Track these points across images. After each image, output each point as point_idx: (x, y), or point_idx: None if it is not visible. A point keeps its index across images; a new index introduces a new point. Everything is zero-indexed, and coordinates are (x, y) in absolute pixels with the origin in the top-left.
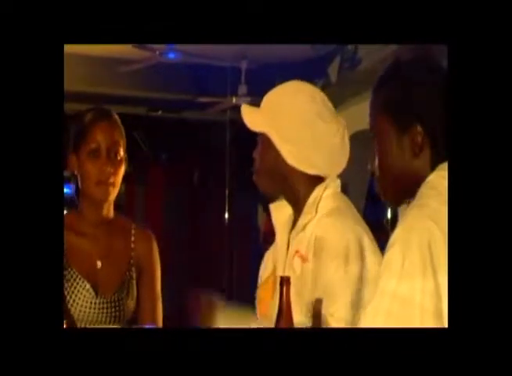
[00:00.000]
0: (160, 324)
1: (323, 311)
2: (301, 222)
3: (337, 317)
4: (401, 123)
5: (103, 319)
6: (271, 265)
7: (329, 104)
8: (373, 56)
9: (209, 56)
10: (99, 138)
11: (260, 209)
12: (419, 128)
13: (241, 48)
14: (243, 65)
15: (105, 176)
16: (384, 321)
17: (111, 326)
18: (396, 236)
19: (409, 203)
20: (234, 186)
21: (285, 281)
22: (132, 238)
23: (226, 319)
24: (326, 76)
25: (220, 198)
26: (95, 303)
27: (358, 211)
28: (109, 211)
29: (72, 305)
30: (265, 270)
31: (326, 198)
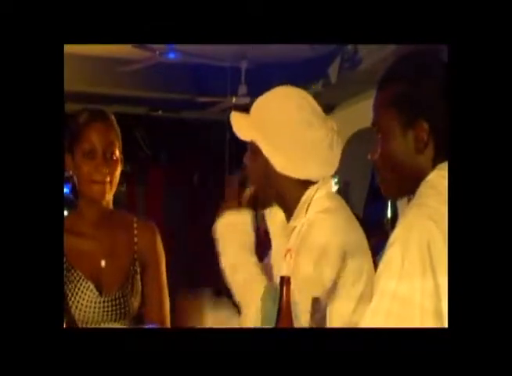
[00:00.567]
0: (167, 319)
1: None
2: (292, 224)
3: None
4: (407, 119)
5: (108, 317)
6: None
7: (318, 109)
8: (373, 55)
9: (209, 56)
10: (94, 139)
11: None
12: (425, 125)
13: (241, 49)
14: (243, 65)
15: (101, 176)
16: (384, 321)
17: (117, 324)
18: (396, 236)
19: (409, 200)
20: None
21: (285, 281)
22: (135, 231)
23: (215, 318)
24: (326, 76)
25: (219, 198)
26: (99, 302)
27: (359, 209)
28: (108, 209)
29: (76, 307)
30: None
31: (318, 200)
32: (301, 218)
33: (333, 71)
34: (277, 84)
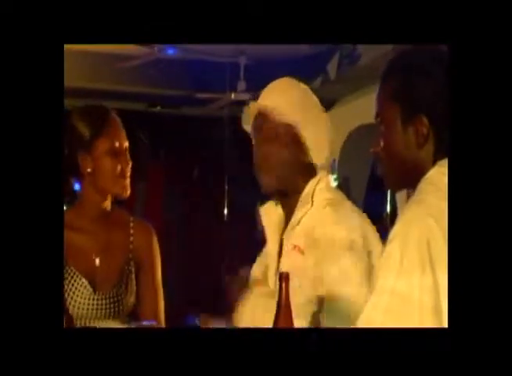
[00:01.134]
0: (162, 318)
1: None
2: (296, 216)
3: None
4: (407, 113)
5: (102, 315)
6: (257, 274)
7: None
8: (372, 52)
9: (208, 52)
10: (116, 134)
11: (259, 205)
12: (425, 120)
13: (240, 45)
14: (242, 61)
15: (125, 171)
16: (383, 317)
17: (111, 321)
18: (395, 233)
19: (408, 195)
20: (233, 182)
21: (284, 277)
22: (131, 231)
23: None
24: (326, 72)
25: (219, 194)
26: (93, 299)
27: (359, 203)
28: (109, 205)
29: (70, 303)
30: (253, 273)
31: (321, 191)
32: (306, 209)
33: (332, 67)
34: (276, 79)
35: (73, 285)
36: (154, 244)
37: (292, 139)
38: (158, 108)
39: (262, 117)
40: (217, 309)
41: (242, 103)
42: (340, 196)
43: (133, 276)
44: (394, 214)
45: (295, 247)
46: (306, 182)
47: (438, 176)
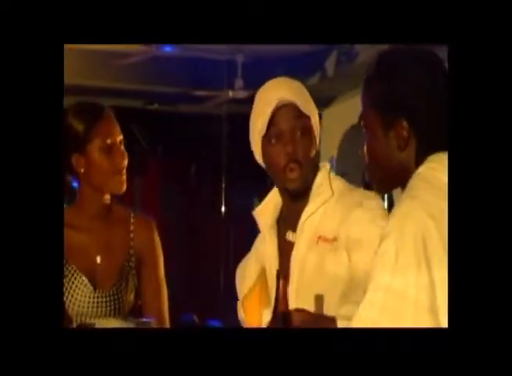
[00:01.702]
0: (165, 314)
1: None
2: (315, 204)
3: None
4: (387, 118)
5: (102, 313)
6: (254, 273)
7: None
8: (370, 49)
9: (205, 49)
10: (108, 132)
11: (256, 202)
12: (404, 123)
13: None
14: (240, 58)
15: (120, 167)
16: (379, 314)
17: (111, 319)
18: (389, 229)
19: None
20: (230, 179)
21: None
22: (131, 227)
23: None
24: (323, 69)
25: (216, 191)
26: (93, 297)
27: None
28: (107, 202)
29: (71, 301)
30: (245, 281)
31: (335, 179)
32: (326, 196)
33: (329, 65)
34: (273, 78)
35: (73, 283)
36: (156, 238)
37: (310, 132)
38: (155, 105)
39: (284, 109)
40: (214, 307)
41: (239, 101)
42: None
43: (134, 272)
44: (390, 209)
45: (320, 237)
46: (314, 174)
47: (428, 172)
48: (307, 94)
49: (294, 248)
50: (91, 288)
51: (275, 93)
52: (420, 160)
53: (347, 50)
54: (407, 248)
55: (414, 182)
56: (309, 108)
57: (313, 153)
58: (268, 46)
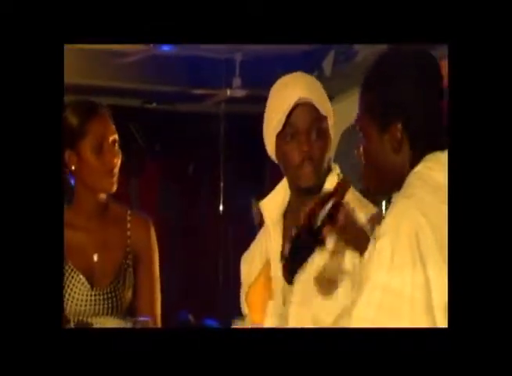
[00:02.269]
0: (158, 312)
1: None
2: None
3: None
4: (382, 120)
5: (100, 311)
6: (258, 265)
7: None
8: (369, 49)
9: (204, 48)
10: (100, 131)
11: (254, 201)
12: (399, 126)
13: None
14: (238, 57)
15: (111, 167)
16: (375, 313)
17: (109, 318)
18: (385, 227)
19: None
20: (229, 178)
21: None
22: (128, 225)
23: None
24: (321, 69)
25: (215, 191)
26: (90, 295)
27: None
28: (103, 202)
29: (68, 299)
30: (249, 273)
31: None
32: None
33: (327, 64)
34: (272, 76)
35: (70, 282)
36: (152, 236)
37: (326, 133)
38: (153, 104)
39: (302, 108)
40: (211, 306)
41: (238, 100)
42: None
43: (131, 270)
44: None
45: None
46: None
47: (425, 171)
48: (323, 92)
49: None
50: (89, 286)
51: (294, 90)
52: (414, 163)
53: (345, 50)
54: (403, 247)
55: (411, 180)
56: (326, 108)
57: (328, 153)
58: (266, 46)
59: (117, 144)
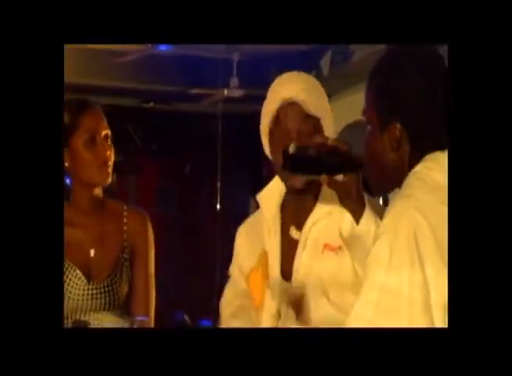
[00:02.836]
0: (151, 309)
1: None
2: (321, 211)
3: None
4: (383, 117)
5: (97, 305)
6: (254, 254)
7: None
8: (365, 48)
9: (201, 48)
10: (92, 126)
11: (252, 201)
12: (398, 125)
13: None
14: (235, 57)
15: (105, 160)
16: (373, 313)
17: (106, 313)
18: (384, 228)
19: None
20: (226, 178)
21: None
22: (124, 220)
23: None
24: (319, 68)
25: (212, 190)
26: (87, 290)
27: None
28: (99, 197)
29: (65, 295)
30: (246, 260)
31: None
32: (326, 211)
33: (325, 63)
34: (269, 76)
35: (67, 277)
36: (149, 231)
37: (317, 132)
38: (151, 104)
39: (290, 108)
40: (206, 307)
41: (235, 100)
42: None
43: (128, 264)
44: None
45: (326, 246)
46: None
47: (424, 171)
48: (319, 92)
49: (297, 255)
50: (85, 281)
51: (281, 91)
52: (413, 163)
53: (342, 49)
54: (401, 247)
55: (410, 180)
56: (319, 108)
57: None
58: (263, 45)
59: (109, 139)
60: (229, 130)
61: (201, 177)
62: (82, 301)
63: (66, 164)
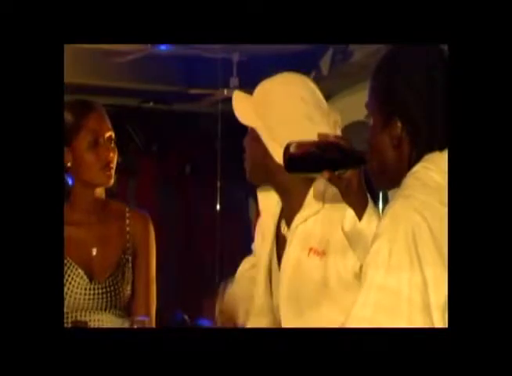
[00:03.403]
0: (152, 309)
1: None
2: (303, 213)
3: None
4: (384, 114)
5: (98, 305)
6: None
7: (322, 101)
8: (365, 48)
9: (201, 48)
10: (96, 128)
11: (251, 201)
12: (398, 123)
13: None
14: (235, 57)
15: (108, 161)
16: (372, 314)
17: (107, 313)
18: (382, 228)
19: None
20: (226, 178)
21: None
22: (127, 221)
23: None
24: (318, 68)
25: (212, 190)
26: (89, 289)
27: None
28: (101, 198)
29: (66, 293)
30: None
31: (331, 189)
32: (317, 209)
33: (324, 63)
34: (269, 76)
35: (69, 275)
36: (150, 233)
37: (258, 140)
38: (150, 104)
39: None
40: (206, 307)
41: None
42: None
43: (130, 265)
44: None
45: (311, 249)
46: (303, 180)
47: (423, 171)
48: (265, 96)
49: (285, 255)
50: (87, 280)
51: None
52: (412, 161)
53: (342, 49)
54: (400, 247)
55: (408, 180)
56: (254, 118)
57: (256, 155)
58: (263, 45)
59: (113, 141)
60: (229, 130)
61: (201, 177)
62: (83, 300)
63: (69, 165)
